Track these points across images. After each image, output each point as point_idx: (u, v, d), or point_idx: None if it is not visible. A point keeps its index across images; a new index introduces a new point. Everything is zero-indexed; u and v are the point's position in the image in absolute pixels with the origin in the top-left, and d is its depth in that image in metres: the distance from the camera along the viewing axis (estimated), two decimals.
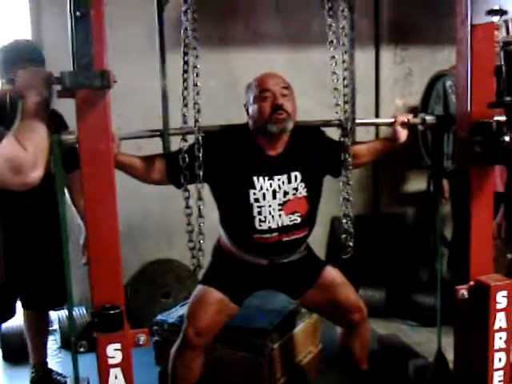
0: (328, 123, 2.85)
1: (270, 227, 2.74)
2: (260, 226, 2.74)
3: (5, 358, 3.94)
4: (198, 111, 2.53)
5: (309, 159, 2.81)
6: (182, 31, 2.51)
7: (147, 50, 4.11)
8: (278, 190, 2.73)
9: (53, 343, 4.14)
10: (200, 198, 2.57)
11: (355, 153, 2.86)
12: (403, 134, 2.85)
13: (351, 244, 2.85)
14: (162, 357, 3.30)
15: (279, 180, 2.74)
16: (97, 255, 2.09)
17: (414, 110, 4.74)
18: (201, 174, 2.56)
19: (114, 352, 2.05)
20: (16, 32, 4.26)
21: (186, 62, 2.54)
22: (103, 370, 2.06)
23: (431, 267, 4.82)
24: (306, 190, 2.78)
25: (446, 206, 4.17)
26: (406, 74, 4.90)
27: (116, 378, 2.06)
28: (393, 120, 2.85)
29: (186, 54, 2.54)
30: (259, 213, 2.73)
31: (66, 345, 3.95)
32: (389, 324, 4.34)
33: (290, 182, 2.75)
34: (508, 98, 2.21)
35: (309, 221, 2.85)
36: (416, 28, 4.80)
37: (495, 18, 2.26)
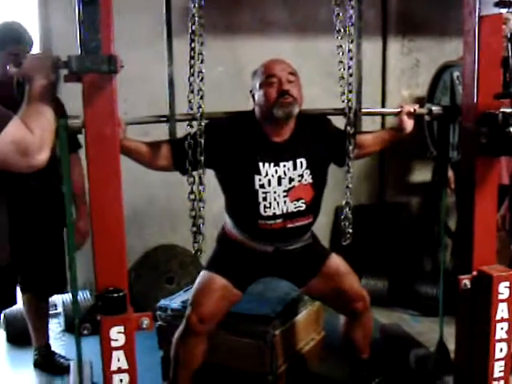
0: (333, 112, 2.85)
1: (274, 213, 2.74)
2: (265, 212, 2.74)
3: (9, 340, 3.96)
4: (202, 98, 2.53)
5: (314, 146, 2.81)
6: (189, 18, 2.51)
7: (154, 36, 4.11)
8: (283, 176, 2.74)
9: (56, 326, 4.16)
10: (201, 183, 2.58)
11: (360, 142, 2.86)
12: (409, 124, 2.85)
13: (350, 231, 2.84)
14: (164, 341, 3.31)
15: (285, 166, 2.74)
16: (101, 239, 2.10)
17: (420, 101, 4.74)
18: (202, 159, 2.56)
19: (117, 335, 2.06)
20: (23, 19, 4.27)
21: (192, 49, 2.55)
22: (106, 353, 2.07)
23: (435, 257, 4.83)
24: (311, 176, 2.78)
25: (450, 196, 4.17)
26: (413, 64, 4.88)
27: (119, 360, 2.08)
28: (399, 110, 2.85)
29: (192, 40, 2.54)
30: (264, 199, 2.73)
31: (69, 328, 3.98)
32: (391, 313, 4.35)
33: (295, 168, 2.75)
34: None
35: (313, 208, 2.85)
36: (424, 19, 4.79)
37: (503, 10, 2.25)
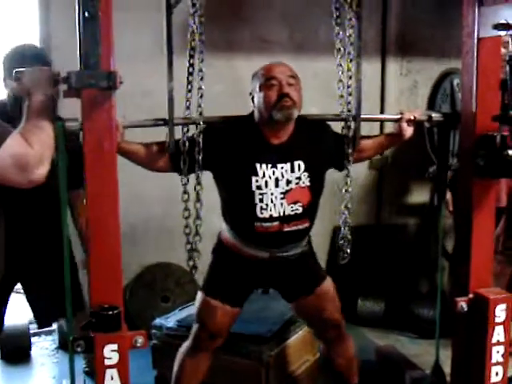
0: (333, 117, 2.86)
1: (271, 215, 2.71)
2: (261, 213, 2.71)
3: (3, 358, 3.93)
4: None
5: (312, 150, 2.79)
6: (189, 34, 2.52)
7: (153, 53, 4.16)
8: (280, 178, 2.71)
9: (50, 344, 4.14)
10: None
11: (359, 147, 2.85)
12: (409, 130, 2.83)
13: (348, 250, 2.84)
14: (159, 361, 3.30)
15: (282, 168, 2.71)
16: (97, 255, 2.09)
17: (418, 123, 4.76)
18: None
19: (110, 353, 2.04)
20: (25, 32, 4.28)
21: (191, 65, 2.55)
22: (100, 371, 2.05)
23: (431, 279, 4.82)
24: (308, 179, 2.75)
25: (448, 218, 4.17)
26: (412, 86, 4.90)
27: (112, 378, 2.06)
28: (399, 116, 2.84)
29: (191, 56, 2.55)
30: (261, 200, 2.70)
31: (63, 345, 3.96)
32: (387, 335, 4.33)
33: (293, 170, 2.73)
34: None
35: (310, 212, 2.82)
36: (422, 40, 4.82)
37: (502, 32, 2.26)
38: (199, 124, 2.58)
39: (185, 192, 2.61)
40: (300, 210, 2.75)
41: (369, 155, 3.04)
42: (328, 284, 2.97)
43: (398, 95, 4.89)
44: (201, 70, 2.54)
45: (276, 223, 2.73)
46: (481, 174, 2.37)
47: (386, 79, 4.86)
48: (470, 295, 2.42)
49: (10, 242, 2.90)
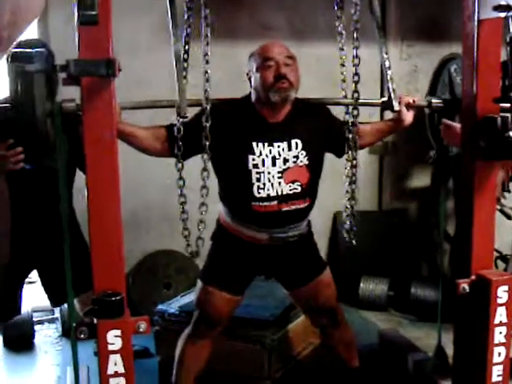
0: (333, 101, 2.87)
1: (268, 195, 2.68)
2: (259, 193, 2.68)
3: (6, 345, 3.95)
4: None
5: (310, 131, 2.77)
6: (184, 20, 2.50)
7: (153, 42, 4.16)
8: (277, 156, 2.68)
9: (53, 331, 4.16)
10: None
11: (359, 132, 2.81)
12: (408, 115, 2.80)
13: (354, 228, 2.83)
14: (162, 346, 3.31)
15: (279, 147, 2.69)
16: (99, 242, 2.09)
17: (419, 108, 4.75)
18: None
19: (114, 338, 2.05)
20: None
21: (186, 51, 2.54)
22: (103, 357, 2.06)
23: (433, 263, 4.83)
24: (306, 158, 2.72)
25: (449, 201, 4.18)
26: (412, 70, 4.89)
27: (115, 364, 2.06)
28: (398, 101, 2.83)
29: (186, 43, 2.53)
30: (258, 179, 2.68)
31: (66, 333, 3.97)
32: (389, 318, 4.35)
33: (290, 149, 2.70)
34: None
35: (309, 191, 2.78)
36: (423, 24, 4.80)
37: (502, 14, 2.25)
38: (205, 108, 2.55)
39: (180, 178, 2.57)
40: (299, 189, 2.72)
41: (369, 142, 3.01)
42: (327, 273, 2.98)
43: (398, 80, 4.87)
44: (206, 54, 2.51)
45: (274, 202, 2.70)
46: (482, 156, 2.36)
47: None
48: (472, 277, 2.42)
49: (19, 227, 2.93)
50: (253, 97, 2.74)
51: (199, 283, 2.89)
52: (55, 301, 3.43)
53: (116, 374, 2.07)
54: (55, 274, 3.19)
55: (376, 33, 2.77)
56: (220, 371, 3.16)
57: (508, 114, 2.28)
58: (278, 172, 2.69)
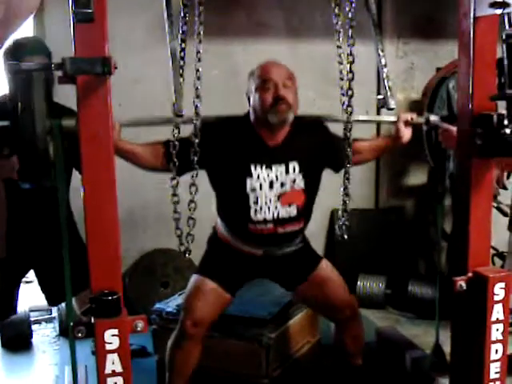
0: (330, 118, 2.85)
1: (265, 218, 2.74)
2: (255, 216, 2.73)
3: (3, 345, 3.94)
4: (198, 97, 2.48)
5: (308, 151, 2.79)
6: (181, 18, 2.49)
7: (149, 40, 4.16)
8: (275, 180, 2.72)
9: (51, 331, 4.15)
10: (193, 184, 2.52)
11: (357, 149, 2.83)
12: (407, 132, 2.83)
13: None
14: (159, 345, 3.30)
15: (277, 170, 2.72)
16: (96, 241, 2.08)
17: (415, 104, 4.76)
18: (195, 159, 2.50)
19: (111, 338, 2.04)
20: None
21: (182, 49, 2.53)
22: (100, 356, 2.05)
23: (430, 260, 4.83)
24: (303, 181, 2.77)
25: (446, 199, 4.18)
26: (408, 67, 4.89)
27: (113, 363, 2.06)
28: (396, 118, 2.83)
29: (183, 40, 2.52)
30: (255, 202, 2.72)
31: (64, 332, 3.97)
32: (387, 316, 4.36)
33: (287, 172, 2.74)
34: (510, 91, 2.20)
35: (305, 213, 2.84)
36: (419, 22, 4.80)
37: (498, 11, 2.25)
38: (196, 122, 2.51)
39: (174, 194, 2.54)
40: (294, 212, 2.77)
41: (367, 158, 3.04)
42: (324, 267, 2.98)
43: (394, 77, 4.88)
44: (198, 52, 2.49)
45: (270, 225, 2.75)
46: (478, 153, 2.37)
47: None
48: (469, 274, 2.42)
49: (16, 226, 2.93)
50: (251, 116, 2.75)
51: (194, 277, 2.90)
52: (52, 300, 3.43)
53: (114, 374, 2.07)
54: (52, 274, 3.19)
55: (372, 30, 2.77)
56: (217, 370, 3.16)
57: (504, 112, 2.28)
58: (275, 195, 2.73)
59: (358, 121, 2.78)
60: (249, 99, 2.75)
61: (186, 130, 2.57)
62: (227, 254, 2.88)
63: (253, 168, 2.71)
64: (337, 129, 2.81)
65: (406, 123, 2.82)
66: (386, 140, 3.03)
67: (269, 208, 2.73)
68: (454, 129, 2.60)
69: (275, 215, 2.74)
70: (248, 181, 2.71)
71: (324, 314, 3.06)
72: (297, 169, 2.75)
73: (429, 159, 3.09)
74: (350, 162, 2.70)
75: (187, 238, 2.54)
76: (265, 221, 2.74)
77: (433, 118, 2.82)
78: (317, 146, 2.83)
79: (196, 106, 2.49)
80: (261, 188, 2.72)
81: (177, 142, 2.51)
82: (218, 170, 2.74)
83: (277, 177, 2.73)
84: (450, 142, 2.67)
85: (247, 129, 2.75)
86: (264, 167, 2.71)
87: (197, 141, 2.51)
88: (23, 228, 3.16)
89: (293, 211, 2.77)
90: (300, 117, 2.75)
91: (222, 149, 2.71)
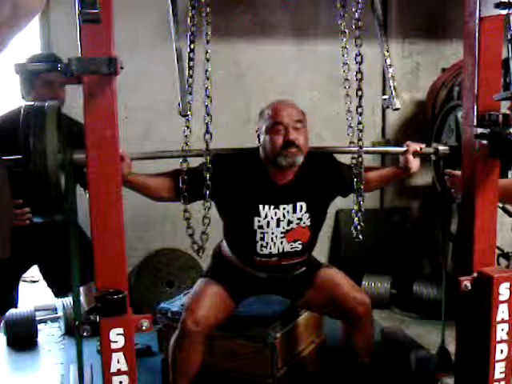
0: (340, 150, 2.89)
1: (270, 253, 2.80)
2: (261, 250, 2.80)
3: (9, 344, 3.95)
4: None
5: (317, 189, 2.82)
6: (189, 17, 2.50)
7: (154, 40, 4.16)
8: (282, 218, 2.77)
9: (57, 330, 4.16)
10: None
11: (366, 179, 2.82)
12: (415, 163, 2.83)
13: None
14: (165, 344, 3.31)
15: (284, 209, 2.77)
16: (102, 240, 2.10)
17: (420, 104, 4.75)
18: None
19: (116, 336, 2.06)
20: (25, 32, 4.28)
21: (192, 50, 2.53)
22: (106, 355, 2.07)
23: (435, 261, 4.82)
24: (310, 220, 2.81)
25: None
26: (414, 67, 4.88)
27: (118, 362, 2.07)
28: (405, 149, 2.83)
29: (192, 41, 2.53)
30: (261, 238, 2.78)
31: (69, 331, 3.98)
32: (392, 316, 4.35)
33: (294, 211, 2.78)
34: None
35: (309, 248, 2.92)
36: (424, 22, 4.79)
37: (503, 11, 2.25)
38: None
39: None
40: (299, 247, 2.84)
41: (374, 187, 3.08)
42: (326, 270, 3.01)
43: (400, 77, 4.88)
44: (207, 52, 2.49)
45: (275, 259, 2.82)
46: (483, 153, 2.37)
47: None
48: (474, 274, 2.43)
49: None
50: (261, 154, 2.76)
51: (199, 281, 2.95)
52: (59, 292, 3.44)
53: (119, 372, 2.09)
54: (57, 266, 3.21)
55: (377, 30, 2.77)
56: (223, 369, 3.16)
57: (508, 111, 2.29)
58: (282, 232, 2.78)
59: (367, 152, 2.78)
60: (258, 137, 2.76)
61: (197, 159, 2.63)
62: (231, 271, 2.94)
63: (261, 208, 2.75)
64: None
65: (415, 154, 2.81)
66: (394, 170, 3.02)
67: (274, 244, 2.80)
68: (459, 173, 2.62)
69: (280, 250, 2.81)
70: (255, 219, 2.76)
71: (336, 314, 3.03)
72: (304, 208, 2.79)
73: (437, 187, 3.07)
74: (361, 156, 2.69)
75: (201, 237, 2.58)
76: (270, 254, 2.81)
77: (441, 148, 2.82)
78: (326, 181, 2.85)
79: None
80: (268, 226, 2.77)
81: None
82: (226, 204, 2.79)
83: (284, 215, 2.77)
84: (459, 188, 2.65)
85: (257, 166, 2.77)
86: (272, 207, 2.76)
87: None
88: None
89: (298, 247, 2.84)
90: (308, 152, 2.74)
91: (231, 185, 2.74)
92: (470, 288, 2.42)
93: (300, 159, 2.69)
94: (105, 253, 2.10)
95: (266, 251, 2.80)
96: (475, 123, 2.39)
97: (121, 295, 2.07)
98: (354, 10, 2.63)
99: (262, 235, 2.78)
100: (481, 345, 2.42)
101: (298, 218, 2.79)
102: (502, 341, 2.38)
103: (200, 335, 2.79)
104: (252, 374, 3.14)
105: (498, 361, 2.38)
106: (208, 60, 2.48)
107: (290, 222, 2.78)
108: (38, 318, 4.12)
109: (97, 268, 2.12)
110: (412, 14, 4.78)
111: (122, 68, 2.06)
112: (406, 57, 4.86)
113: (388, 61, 2.76)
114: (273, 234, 2.78)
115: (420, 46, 4.85)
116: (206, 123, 2.52)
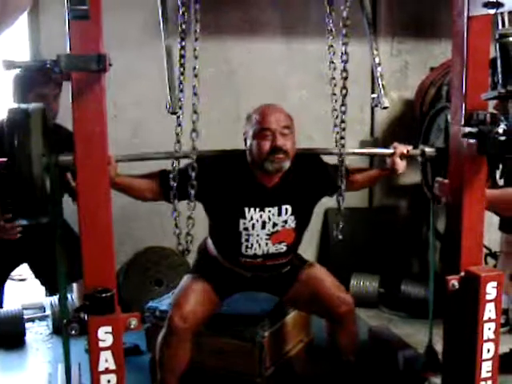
0: (325, 152, 2.87)
1: (255, 254, 2.82)
2: (246, 251, 2.81)
3: None
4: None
5: (302, 191, 2.83)
6: (179, 16, 2.50)
7: (144, 37, 4.15)
8: (267, 221, 2.78)
9: (44, 329, 4.15)
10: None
11: (351, 180, 2.88)
12: (402, 165, 2.84)
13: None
14: (153, 343, 3.30)
15: (270, 212, 2.78)
16: (90, 238, 2.09)
17: (408, 103, 4.77)
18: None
19: (105, 335, 2.05)
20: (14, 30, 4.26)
21: (182, 48, 2.53)
22: (94, 353, 2.06)
23: (423, 260, 4.84)
24: (295, 222, 2.83)
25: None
26: (403, 66, 4.89)
27: (106, 361, 2.07)
28: (392, 151, 2.83)
29: (182, 39, 2.52)
30: (246, 240, 2.80)
31: (57, 330, 3.96)
32: (380, 315, 4.36)
33: (280, 214, 2.79)
34: (502, 90, 2.21)
35: (294, 248, 2.93)
36: (413, 21, 4.80)
37: (491, 11, 2.26)
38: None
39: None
40: (284, 248, 2.86)
41: (360, 187, 3.11)
42: (312, 267, 3.04)
43: (389, 76, 4.88)
44: (195, 50, 2.46)
45: (259, 259, 2.84)
46: (471, 152, 2.38)
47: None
48: (462, 273, 2.43)
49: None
50: (248, 158, 2.76)
51: (185, 277, 2.99)
52: (53, 289, 3.43)
53: (107, 371, 2.08)
54: (47, 263, 3.19)
55: (366, 29, 2.77)
56: (211, 367, 3.16)
57: (496, 111, 2.29)
58: (267, 234, 2.80)
59: (353, 154, 2.81)
60: (245, 141, 2.76)
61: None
62: (216, 268, 2.96)
63: (246, 210, 2.76)
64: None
65: (402, 156, 2.82)
66: (380, 171, 3.04)
67: (259, 245, 2.81)
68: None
69: (265, 251, 2.83)
70: (241, 221, 2.77)
71: (320, 313, 3.05)
72: (289, 211, 2.80)
73: (425, 190, 3.08)
74: (342, 154, 2.71)
75: (186, 238, 2.54)
76: (255, 255, 2.83)
77: (428, 150, 2.82)
78: (311, 183, 2.86)
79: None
80: (253, 228, 2.78)
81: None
82: (212, 205, 2.80)
83: (269, 218, 2.79)
84: (445, 194, 2.67)
85: (243, 169, 2.77)
86: (258, 209, 2.77)
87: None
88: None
89: (282, 248, 2.86)
90: (295, 155, 2.74)
91: (217, 187, 2.74)
92: (457, 287, 2.43)
93: (287, 164, 2.70)
94: (93, 251, 2.09)
95: (250, 252, 2.81)
96: (463, 122, 2.39)
97: (109, 293, 2.06)
98: (342, 8, 2.63)
99: (247, 237, 2.79)
100: (468, 344, 2.43)
101: (284, 221, 2.80)
102: (488, 340, 2.39)
103: (187, 332, 2.80)
104: (240, 372, 3.15)
105: (484, 360, 2.39)
106: (196, 57, 2.47)
107: (275, 225, 2.79)
108: (25, 317, 4.10)
109: (85, 266, 2.11)
110: (401, 13, 4.79)
111: (110, 65, 2.06)
112: (395, 55, 4.87)
113: (377, 59, 2.77)
114: (258, 236, 2.79)
115: (409, 45, 4.87)
116: (193, 121, 2.49)
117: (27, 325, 4.12)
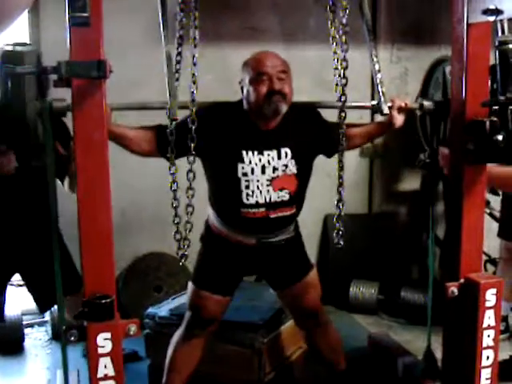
0: (324, 105, 2.86)
1: (257, 202, 2.71)
2: (247, 200, 2.71)
3: None
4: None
5: (301, 137, 2.77)
6: (177, 22, 2.50)
7: (144, 43, 4.16)
8: (267, 165, 2.70)
9: (43, 334, 4.14)
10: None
11: (349, 135, 2.79)
12: (399, 119, 2.80)
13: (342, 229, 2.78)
14: (152, 350, 3.30)
15: (269, 155, 2.71)
16: (90, 244, 2.09)
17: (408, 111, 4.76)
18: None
19: (104, 341, 2.05)
20: (14, 27, 4.26)
21: (179, 53, 2.53)
22: (93, 360, 2.06)
23: (423, 266, 4.84)
24: (296, 167, 2.74)
25: (438, 205, 4.19)
26: (402, 73, 4.90)
27: (105, 367, 2.06)
28: (390, 104, 2.82)
29: (179, 44, 2.52)
30: (247, 187, 2.70)
31: (56, 336, 3.96)
32: (379, 322, 4.36)
33: (279, 157, 2.72)
34: (501, 97, 2.22)
35: (297, 199, 2.82)
36: (412, 28, 4.81)
37: (491, 18, 2.27)
38: (192, 110, 2.51)
39: (174, 181, 2.54)
40: (287, 197, 2.75)
41: (358, 143, 3.03)
42: (313, 275, 3.01)
43: (388, 83, 4.89)
44: (194, 56, 2.47)
45: (262, 209, 2.73)
46: (471, 159, 2.38)
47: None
48: (461, 280, 2.43)
49: (1, 229, 2.91)
50: (245, 105, 2.73)
51: (191, 286, 2.91)
52: (42, 307, 3.41)
53: (106, 377, 2.08)
54: (39, 279, 3.19)
55: (366, 36, 2.78)
56: (210, 374, 3.16)
57: (496, 118, 2.30)
58: (267, 180, 2.71)
59: (352, 107, 2.77)
60: (242, 88, 2.73)
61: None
62: (220, 249, 2.88)
63: (244, 153, 2.69)
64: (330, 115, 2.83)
65: (400, 109, 2.80)
66: (378, 125, 3.02)
67: (261, 192, 2.71)
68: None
69: (267, 199, 2.72)
70: (239, 166, 2.69)
71: (297, 317, 3.09)
72: (289, 154, 2.73)
73: (423, 143, 3.06)
74: (343, 149, 2.70)
75: (183, 243, 2.54)
76: (257, 204, 2.72)
77: (426, 103, 2.79)
78: (309, 133, 2.81)
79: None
80: (252, 173, 2.70)
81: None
82: (210, 155, 2.72)
83: (269, 162, 2.71)
84: (445, 163, 2.66)
85: (240, 114, 2.73)
86: (256, 153, 2.70)
87: (194, 127, 2.50)
88: (10, 231, 3.14)
89: (285, 196, 2.75)
90: (293, 104, 2.73)
91: (214, 134, 2.68)
92: (456, 294, 2.43)
93: (284, 108, 2.66)
94: (93, 257, 2.09)
95: (252, 200, 2.71)
96: (463, 129, 2.40)
97: (108, 300, 2.06)
98: (341, 15, 2.63)
99: (247, 183, 2.70)
100: (467, 351, 2.43)
101: (284, 165, 2.72)
102: (488, 347, 2.39)
103: (207, 332, 2.87)
104: (239, 379, 3.15)
105: (484, 367, 2.39)
106: (195, 64, 2.48)
107: (275, 169, 2.71)
108: (24, 323, 4.11)
109: (85, 272, 2.11)
110: (401, 20, 4.80)
111: (111, 71, 2.06)
112: (395, 62, 4.89)
113: (376, 66, 2.77)
114: (258, 181, 2.70)
115: (408, 52, 4.88)
116: (190, 128, 2.50)
117: (26, 330, 4.12)
